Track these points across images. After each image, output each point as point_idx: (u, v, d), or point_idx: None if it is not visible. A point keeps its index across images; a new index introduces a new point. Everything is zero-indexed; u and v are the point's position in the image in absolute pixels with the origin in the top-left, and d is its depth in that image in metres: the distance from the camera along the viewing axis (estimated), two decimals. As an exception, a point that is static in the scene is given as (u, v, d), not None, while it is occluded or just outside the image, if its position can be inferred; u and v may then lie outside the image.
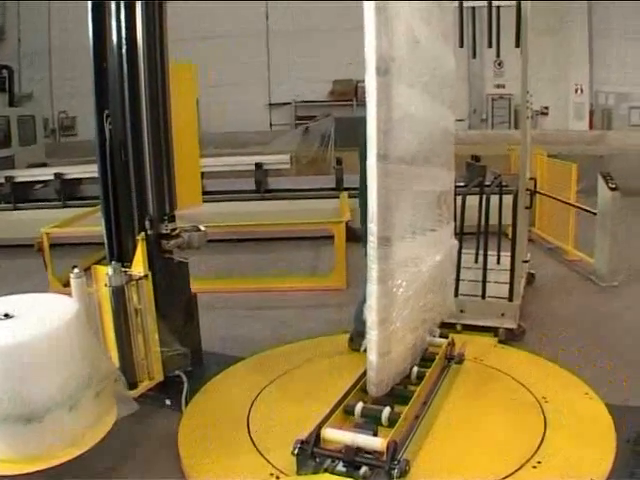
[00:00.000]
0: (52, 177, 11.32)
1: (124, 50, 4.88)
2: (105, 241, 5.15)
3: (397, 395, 4.56)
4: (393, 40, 4.01)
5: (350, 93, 19.67)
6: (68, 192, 11.29)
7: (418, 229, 4.74)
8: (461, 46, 6.48)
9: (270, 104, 20.45)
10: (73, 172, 11.35)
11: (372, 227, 4.08)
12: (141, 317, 4.87)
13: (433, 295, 5.16)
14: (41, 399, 3.80)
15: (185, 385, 5.08)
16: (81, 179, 11.43)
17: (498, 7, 6.89)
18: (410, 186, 4.48)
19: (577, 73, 20.06)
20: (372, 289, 4.16)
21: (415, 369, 4.84)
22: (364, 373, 4.52)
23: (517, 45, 6.30)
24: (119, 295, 4.73)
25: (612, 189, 7.94)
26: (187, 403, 5.03)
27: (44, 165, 13.54)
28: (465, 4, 6.66)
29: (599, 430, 4.45)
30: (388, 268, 4.18)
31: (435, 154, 5.07)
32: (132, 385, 4.79)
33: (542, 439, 4.35)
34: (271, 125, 20.41)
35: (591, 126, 19.97)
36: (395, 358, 4.47)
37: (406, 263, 4.47)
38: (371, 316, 4.20)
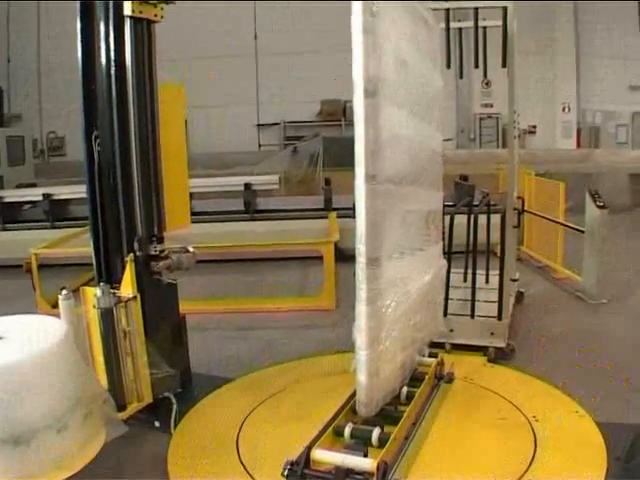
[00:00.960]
0: (41, 197, 11.28)
1: (113, 71, 4.90)
2: (94, 262, 5.13)
3: (387, 415, 4.55)
4: (381, 62, 4.06)
5: (338, 113, 19.77)
6: (57, 212, 11.25)
7: (407, 249, 4.77)
8: (448, 67, 6.52)
9: (259, 124, 20.49)
10: (62, 192, 11.32)
11: (361, 248, 4.09)
12: (130, 339, 4.85)
13: (422, 315, 5.17)
14: (29, 421, 3.78)
15: (174, 407, 5.06)
16: (70, 199, 11.39)
17: (484, 27, 6.95)
18: (398, 206, 4.52)
19: (564, 92, 20.22)
20: (361, 309, 4.17)
21: (405, 389, 4.84)
22: (353, 394, 4.52)
23: (504, 65, 6.35)
24: (108, 317, 4.71)
25: (600, 207, 7.98)
26: (176, 425, 5.00)
27: (33, 185, 13.52)
28: (452, 25, 6.70)
29: (590, 448, 4.45)
30: (377, 288, 4.19)
31: (423, 174, 5.11)
32: (121, 407, 4.76)
33: (532, 458, 4.35)
34: (260, 145, 20.44)
35: (579, 144, 20.12)
36: (385, 378, 4.47)
37: (395, 283, 4.48)
38: (360, 336, 4.20)
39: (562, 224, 9.05)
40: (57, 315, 4.59)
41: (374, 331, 4.24)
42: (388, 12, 4.21)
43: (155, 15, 5.07)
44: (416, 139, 4.91)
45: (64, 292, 4.65)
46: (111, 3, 4.85)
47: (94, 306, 4.74)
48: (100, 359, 4.82)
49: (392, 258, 4.43)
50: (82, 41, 4.96)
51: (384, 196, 4.17)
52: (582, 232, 8.31)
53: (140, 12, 4.91)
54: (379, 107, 4.06)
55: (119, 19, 4.87)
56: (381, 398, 4.48)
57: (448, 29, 6.54)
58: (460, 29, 7.28)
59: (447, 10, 6.56)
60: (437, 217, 5.68)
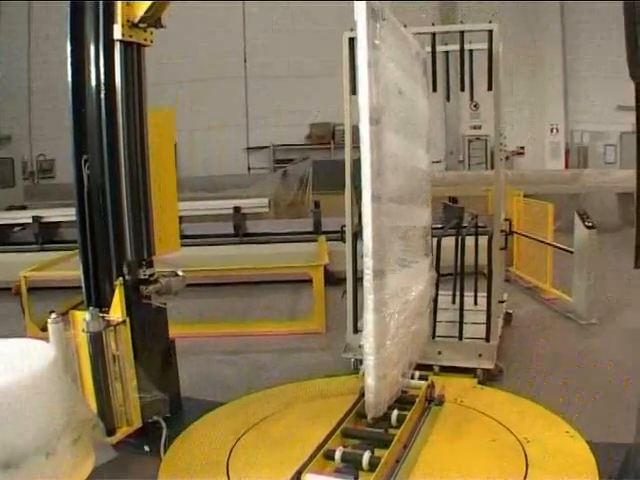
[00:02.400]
0: (30, 220, 11.25)
1: (102, 95, 4.92)
2: (83, 286, 5.13)
3: (377, 439, 4.56)
4: (382, 91, 4.40)
5: (327, 136, 19.78)
6: (46, 235, 11.21)
7: (406, 261, 5.18)
8: (434, 90, 6.57)
9: (248, 148, 20.51)
10: (51, 215, 11.29)
11: (368, 261, 4.42)
12: (119, 363, 4.83)
13: (418, 321, 5.53)
14: (18, 445, 3.74)
15: (164, 431, 5.03)
16: (59, 222, 11.36)
17: (471, 50, 7.01)
18: (399, 223, 4.93)
19: (552, 113, 20.34)
20: (369, 318, 4.50)
21: (395, 412, 4.85)
22: (344, 417, 4.53)
23: (490, 88, 6.39)
24: (97, 341, 4.69)
25: (588, 227, 8.02)
26: (166, 449, 4.97)
27: (23, 208, 13.48)
28: (438, 48, 6.76)
29: (582, 469, 4.45)
30: (383, 298, 4.51)
31: (417, 193, 5.57)
32: (110, 431, 4.73)
33: (524, 479, 4.34)
34: (249, 169, 20.45)
35: (567, 165, 20.20)
36: (390, 381, 4.75)
37: (397, 293, 4.84)
38: (368, 342, 4.49)
39: (551, 245, 9.09)
40: (46, 339, 4.57)
41: (380, 337, 4.54)
42: (388, 46, 4.55)
43: (145, 39, 5.11)
44: (410, 161, 5.32)
45: (53, 316, 4.64)
46: (101, 27, 4.88)
47: (83, 330, 4.73)
48: (89, 383, 4.80)
49: (394, 270, 4.80)
50: (72, 64, 4.98)
51: (387, 214, 4.53)
52: (571, 252, 8.35)
53: (130, 36, 4.95)
54: (381, 133, 4.41)
55: (109, 43, 4.90)
56: (387, 399, 4.76)
57: (434, 53, 6.59)
58: (447, 52, 7.35)
59: (433, 34, 6.63)
60: (428, 232, 6.13)
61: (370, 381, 4.55)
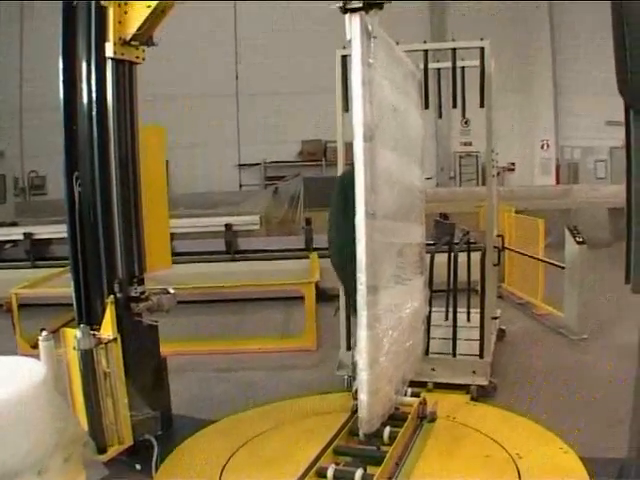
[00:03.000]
0: (22, 237, 11.22)
1: (94, 112, 4.93)
2: (74, 303, 5.11)
3: (370, 456, 4.55)
4: (376, 109, 4.41)
5: (319, 153, 19.80)
6: (38, 252, 11.17)
7: (400, 278, 5.17)
8: (426, 107, 6.59)
9: (240, 164, 20.51)
10: (43, 232, 11.25)
11: (361, 277, 4.39)
12: (110, 381, 4.81)
13: (412, 337, 5.53)
14: (9, 463, 3.71)
15: (155, 449, 5.00)
16: (51, 239, 11.33)
17: (463, 67, 7.04)
18: (393, 239, 4.95)
19: (543, 129, 20.43)
20: (362, 334, 4.46)
21: (387, 429, 4.83)
22: (336, 435, 4.52)
23: (482, 105, 6.42)
24: (88, 358, 4.67)
25: (579, 243, 8.05)
26: (157, 468, 4.93)
27: (14, 224, 13.44)
28: (430, 65, 6.79)
29: (574, 484, 4.45)
30: (376, 314, 4.50)
31: (410, 210, 5.60)
32: (101, 450, 4.70)
33: (517, 496, 4.35)
34: (241, 186, 20.44)
35: (558, 181, 20.28)
36: (383, 396, 4.74)
37: (391, 309, 4.84)
38: (361, 358, 4.45)
39: (542, 260, 9.12)
40: (37, 356, 4.55)
41: (373, 353, 4.50)
42: (381, 64, 4.58)
43: (137, 57, 5.14)
44: (404, 178, 5.33)
45: (44, 333, 4.62)
46: (93, 44, 4.90)
47: (74, 347, 4.71)
48: (80, 401, 4.77)
49: (388, 287, 4.80)
50: (64, 81, 5.01)
51: (381, 230, 4.54)
52: (562, 268, 8.37)
53: (122, 54, 4.98)
54: (375, 150, 4.41)
55: (101, 60, 4.92)
56: (380, 416, 4.72)
57: (426, 70, 6.62)
58: (439, 69, 7.39)
59: (425, 51, 6.67)
60: (422, 249, 6.08)
61: (363, 396, 4.52)
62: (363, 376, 4.48)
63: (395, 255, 5.11)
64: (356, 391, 4.65)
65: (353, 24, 4.27)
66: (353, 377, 5.88)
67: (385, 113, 4.70)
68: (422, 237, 6.12)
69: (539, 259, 9.17)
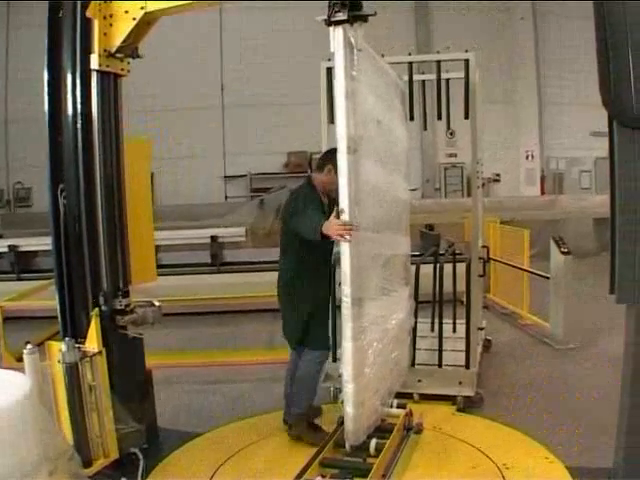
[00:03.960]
0: (7, 249, 11.15)
1: (79, 124, 4.91)
2: (59, 316, 5.08)
3: (356, 468, 4.53)
4: (360, 122, 4.44)
5: (305, 165, 19.79)
6: (23, 264, 11.12)
7: (386, 290, 5.20)
8: (412, 119, 6.61)
9: (225, 176, 20.49)
10: (28, 244, 11.20)
11: (346, 289, 4.41)
12: (95, 394, 4.78)
13: (398, 349, 5.54)
14: (-6, 478, 3.70)
15: (141, 463, 4.96)
16: (36, 251, 11.28)
17: (447, 79, 7.08)
18: (377, 251, 4.97)
19: (528, 139, 20.53)
20: (347, 346, 4.48)
21: (373, 441, 4.81)
22: (322, 447, 4.51)
23: (466, 117, 6.44)
24: (73, 372, 4.64)
25: (564, 253, 8.09)
26: (143, 481, 4.92)
27: (-1, 236, 13.38)
28: (415, 77, 6.82)
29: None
30: (361, 326, 4.52)
31: (396, 221, 5.62)
32: (87, 463, 4.66)
33: (503, 507, 4.35)
34: (226, 197, 20.42)
35: (543, 191, 20.37)
36: (368, 408, 4.74)
37: (376, 321, 4.85)
38: (347, 370, 4.49)
39: (527, 271, 9.15)
40: (22, 369, 4.52)
41: (359, 365, 4.54)
42: (365, 76, 4.59)
43: (122, 69, 5.12)
44: (389, 189, 5.35)
45: (29, 346, 4.58)
46: (78, 56, 4.89)
47: (59, 361, 4.68)
48: (65, 414, 4.74)
49: (373, 298, 4.83)
50: (49, 93, 4.99)
51: (365, 242, 4.56)
52: (547, 278, 8.41)
53: (107, 66, 4.96)
54: (359, 162, 4.43)
55: (86, 72, 4.91)
56: (366, 427, 4.73)
57: (411, 82, 6.65)
58: (423, 81, 7.43)
59: (410, 63, 6.70)
60: (408, 260, 6.11)
61: (349, 409, 4.54)
62: (349, 388, 4.50)
63: (380, 266, 5.12)
64: (342, 402, 4.65)
65: (337, 36, 4.28)
66: (339, 389, 5.89)
67: (369, 125, 4.73)
68: (407, 248, 6.14)
69: (524, 269, 9.20)
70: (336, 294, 5.57)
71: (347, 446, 4.67)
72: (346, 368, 4.50)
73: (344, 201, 4.37)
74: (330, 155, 4.97)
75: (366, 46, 4.63)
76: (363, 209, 4.52)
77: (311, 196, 5.29)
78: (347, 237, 4.34)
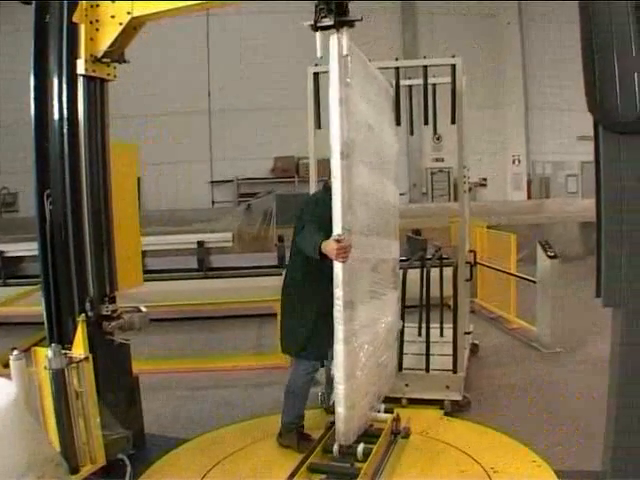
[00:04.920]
0: (-8, 255, 11.09)
1: (65, 129, 4.91)
2: (45, 322, 5.06)
3: (343, 473, 4.53)
4: (352, 126, 4.49)
5: (292, 170, 19.79)
6: (9, 270, 11.04)
7: (376, 293, 5.28)
8: (398, 124, 6.62)
9: (212, 181, 20.47)
10: (14, 250, 11.12)
11: (338, 292, 4.46)
12: (82, 400, 4.75)
13: (386, 352, 5.62)
14: (-20, 485, 3.68)
15: (128, 469, 4.94)
16: (22, 257, 11.22)
17: (434, 84, 7.10)
18: (368, 255, 5.02)
19: (514, 144, 20.64)
20: (339, 348, 4.54)
21: (361, 446, 4.80)
22: (310, 452, 4.50)
23: (453, 122, 6.46)
24: (59, 378, 4.61)
25: (550, 257, 8.11)
26: (131, 488, 4.89)
27: (-15, 242, 13.28)
28: (402, 82, 6.83)
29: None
30: (353, 329, 4.58)
31: (386, 225, 5.70)
32: (74, 470, 4.63)
33: (491, 511, 4.35)
34: (213, 202, 20.39)
35: (529, 195, 20.47)
36: (359, 409, 4.79)
37: (367, 324, 4.93)
38: (338, 372, 4.57)
39: (514, 275, 9.18)
40: (8, 376, 4.50)
41: (350, 368, 4.60)
42: (358, 83, 4.68)
43: (108, 74, 5.12)
44: (379, 194, 5.44)
45: (15, 352, 4.57)
46: (64, 61, 4.88)
47: (45, 367, 4.65)
48: (52, 421, 4.71)
49: (364, 301, 4.89)
50: (35, 98, 4.98)
51: (357, 245, 4.58)
52: (534, 282, 8.43)
53: (93, 71, 4.96)
54: (352, 167, 4.50)
55: (72, 77, 4.90)
56: (356, 429, 4.78)
57: (398, 87, 6.66)
58: (410, 86, 7.44)
59: (397, 68, 6.71)
60: (396, 264, 6.21)
61: (340, 410, 4.59)
62: (341, 390, 4.55)
63: (370, 270, 5.18)
64: (330, 407, 4.66)
65: (331, 43, 4.31)
66: (327, 394, 5.89)
67: (361, 130, 4.80)
68: (396, 252, 6.21)
69: (511, 274, 9.23)
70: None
71: (335, 451, 4.67)
72: (338, 370, 4.55)
73: (337, 205, 4.39)
74: None
75: (357, 50, 4.65)
76: (355, 213, 4.58)
77: (322, 202, 5.08)
78: (344, 259, 4.37)
